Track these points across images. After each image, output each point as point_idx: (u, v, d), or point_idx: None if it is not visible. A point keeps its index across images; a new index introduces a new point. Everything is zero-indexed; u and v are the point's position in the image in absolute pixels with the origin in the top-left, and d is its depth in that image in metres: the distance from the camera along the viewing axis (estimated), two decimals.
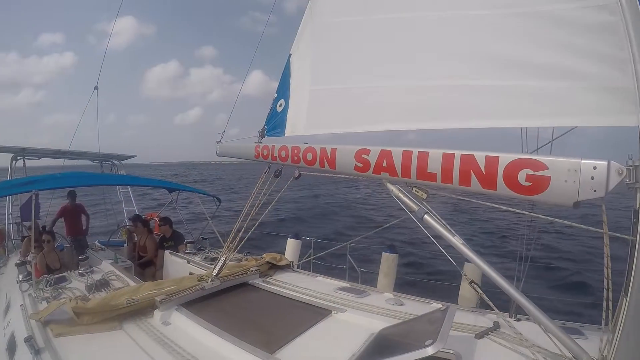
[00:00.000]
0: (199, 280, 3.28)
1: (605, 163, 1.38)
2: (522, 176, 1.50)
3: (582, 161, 1.42)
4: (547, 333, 1.75)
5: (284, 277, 3.75)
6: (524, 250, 3.21)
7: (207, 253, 4.82)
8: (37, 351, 2.32)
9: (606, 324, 1.72)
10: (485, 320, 2.54)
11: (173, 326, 2.68)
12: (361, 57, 2.68)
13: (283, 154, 2.87)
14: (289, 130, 3.20)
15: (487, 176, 1.59)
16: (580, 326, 2.34)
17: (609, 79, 1.59)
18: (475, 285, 2.61)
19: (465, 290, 4.68)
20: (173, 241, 5.75)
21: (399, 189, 2.09)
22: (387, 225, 4.57)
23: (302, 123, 3.06)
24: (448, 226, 1.94)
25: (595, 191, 1.39)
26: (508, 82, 1.87)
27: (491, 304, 2.29)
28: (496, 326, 2.38)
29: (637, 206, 1.39)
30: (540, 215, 2.17)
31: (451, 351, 1.98)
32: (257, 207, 3.29)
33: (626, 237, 1.49)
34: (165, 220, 5.99)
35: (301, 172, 2.90)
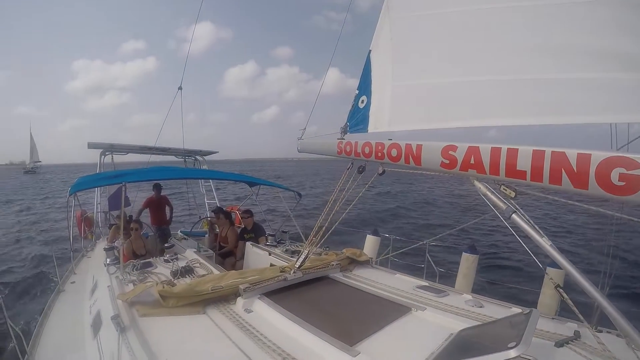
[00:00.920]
0: (281, 272, 3.49)
1: None
2: (614, 175, 1.47)
3: None
4: (633, 349, 1.71)
5: (364, 273, 3.87)
6: (610, 257, 3.02)
7: (287, 246, 5.09)
8: (122, 329, 2.55)
9: None
10: (565, 328, 2.51)
11: (255, 313, 2.86)
12: (441, 52, 2.72)
13: (367, 150, 3.00)
14: (372, 127, 3.33)
15: (578, 175, 1.57)
16: None
17: None
18: (561, 290, 2.55)
19: (546, 297, 4.54)
20: (254, 233, 6.12)
21: (487, 187, 2.12)
22: (468, 223, 4.52)
23: (385, 119, 3.18)
24: (536, 227, 1.94)
25: None
26: (599, 74, 1.83)
27: (576, 311, 2.27)
28: (577, 336, 2.34)
29: None
30: (633, 218, 2.07)
31: (531, 357, 1.98)
32: (341, 202, 3.44)
33: None
34: (248, 213, 6.38)
35: (385, 169, 2.99)
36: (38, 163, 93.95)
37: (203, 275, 3.69)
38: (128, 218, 6.01)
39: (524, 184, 1.84)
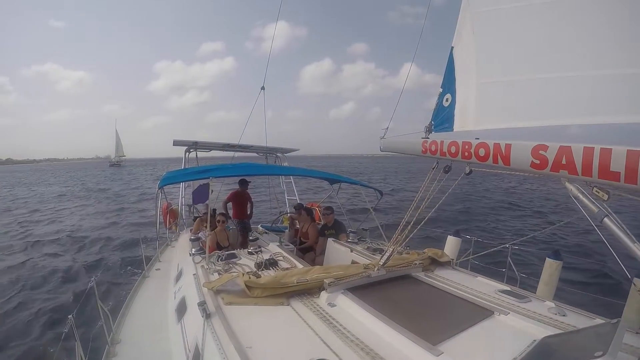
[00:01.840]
0: (365, 269, 3.58)
1: None
2: None
3: None
4: None
5: (445, 274, 3.89)
6: None
7: (369, 244, 5.21)
8: (208, 315, 2.73)
9: None
10: None
11: (338, 308, 2.96)
12: (527, 47, 2.71)
13: (453, 149, 3.03)
14: (457, 125, 3.36)
15: None
16: None
17: None
18: None
19: (631, 309, 4.23)
20: (334, 230, 6.25)
21: (579, 189, 2.11)
22: (550, 227, 4.29)
23: (472, 118, 3.21)
24: (629, 233, 1.89)
25: None
26: None
27: None
28: None
29: None
30: None
31: None
32: (427, 201, 3.49)
33: None
34: (329, 210, 6.52)
35: (472, 169, 3.00)
36: (123, 157, 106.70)
37: (287, 269, 3.88)
38: (212, 211, 6.41)
39: (617, 186, 1.82)
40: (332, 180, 7.48)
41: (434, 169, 3.49)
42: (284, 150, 10.55)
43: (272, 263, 4.10)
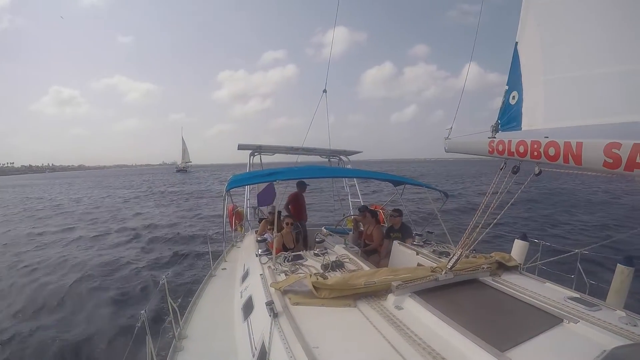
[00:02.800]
0: (432, 272, 3.58)
1: None
2: None
3: None
4: None
5: (512, 279, 3.81)
6: None
7: (434, 247, 5.17)
8: (275, 314, 2.81)
9: None
10: None
11: (406, 311, 2.98)
12: (595, 38, 2.63)
13: (521, 149, 2.99)
14: (525, 124, 3.31)
15: None
16: None
17: None
18: None
19: (614, 292, 4.13)
20: (400, 233, 6.24)
21: None
22: (633, 231, 3.98)
23: (540, 116, 3.15)
24: None
25: None
26: None
27: None
28: None
29: None
30: None
31: None
32: (495, 203, 3.43)
33: None
34: (397, 212, 6.51)
35: (542, 169, 2.94)
36: (189, 163, 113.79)
37: (354, 271, 3.93)
38: (278, 214, 6.66)
39: None
40: (396, 182, 7.46)
41: (501, 169, 3.43)
42: (347, 153, 10.65)
43: (338, 265, 4.17)
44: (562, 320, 2.82)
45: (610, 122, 2.48)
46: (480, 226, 3.57)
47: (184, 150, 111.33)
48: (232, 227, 8.23)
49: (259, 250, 4.91)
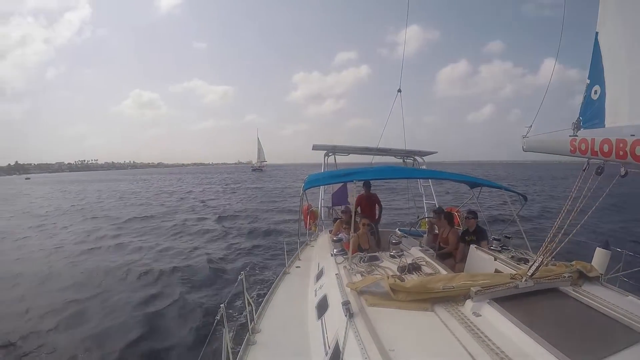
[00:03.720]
0: (511, 278, 3.46)
1: None
2: None
3: None
4: None
5: (593, 290, 3.58)
6: None
7: (513, 252, 4.97)
8: (351, 314, 2.85)
9: None
10: None
11: (483, 318, 2.91)
12: None
13: (605, 148, 2.83)
14: (609, 121, 3.09)
15: None
16: None
17: None
18: None
19: None
20: (475, 236, 6.05)
21: None
22: None
23: (625, 111, 2.91)
24: None
25: None
26: None
27: None
28: None
29: None
30: None
31: None
32: (579, 207, 3.27)
33: None
34: (473, 214, 6.31)
35: (628, 170, 2.76)
36: (264, 162, 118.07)
37: (430, 274, 3.93)
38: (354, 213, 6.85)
39: None
40: (473, 183, 7.22)
41: (584, 170, 3.26)
42: (422, 154, 10.46)
43: (415, 267, 4.17)
44: None
45: None
46: (562, 232, 3.41)
47: (260, 150, 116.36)
48: (306, 227, 8.34)
49: (334, 250, 4.99)
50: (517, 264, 4.49)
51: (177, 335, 6.83)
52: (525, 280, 3.43)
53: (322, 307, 3.81)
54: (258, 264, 11.29)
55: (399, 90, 9.04)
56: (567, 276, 3.72)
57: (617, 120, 2.97)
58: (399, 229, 7.82)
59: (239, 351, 3.52)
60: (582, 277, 3.89)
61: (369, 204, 8.18)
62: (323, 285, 4.35)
